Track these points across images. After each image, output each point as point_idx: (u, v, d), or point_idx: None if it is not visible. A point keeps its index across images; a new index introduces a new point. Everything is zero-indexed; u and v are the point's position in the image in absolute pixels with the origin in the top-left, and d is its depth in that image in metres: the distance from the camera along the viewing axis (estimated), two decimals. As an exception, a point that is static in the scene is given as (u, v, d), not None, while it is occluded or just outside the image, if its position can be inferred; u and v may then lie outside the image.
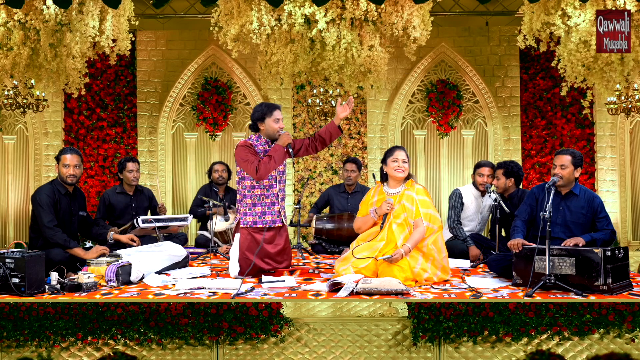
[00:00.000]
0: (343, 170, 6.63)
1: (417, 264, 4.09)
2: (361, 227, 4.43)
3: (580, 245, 4.05)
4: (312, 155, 8.74)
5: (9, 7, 5.89)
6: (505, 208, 5.08)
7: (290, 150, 4.53)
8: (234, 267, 4.46)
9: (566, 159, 4.31)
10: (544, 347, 3.44)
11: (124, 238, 4.98)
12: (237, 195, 4.63)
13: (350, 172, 6.53)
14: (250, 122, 4.66)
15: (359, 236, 4.41)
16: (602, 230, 4.29)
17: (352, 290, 3.67)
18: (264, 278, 4.17)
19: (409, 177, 4.44)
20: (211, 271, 4.72)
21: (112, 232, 4.99)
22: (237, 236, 4.56)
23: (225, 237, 6.38)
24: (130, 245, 4.92)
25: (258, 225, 4.53)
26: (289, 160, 8.55)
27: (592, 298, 3.50)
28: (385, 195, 4.39)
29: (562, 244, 4.06)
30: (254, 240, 4.51)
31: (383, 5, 6.19)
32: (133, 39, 7.44)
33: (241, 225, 4.56)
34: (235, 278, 4.36)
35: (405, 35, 6.47)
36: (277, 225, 4.60)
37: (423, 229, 4.20)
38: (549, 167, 8.41)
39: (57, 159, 4.76)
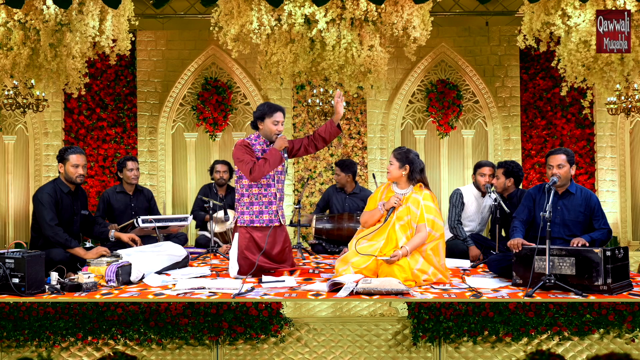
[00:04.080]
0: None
1: (416, 265, 4.09)
2: (367, 221, 4.42)
3: (582, 245, 4.04)
4: (312, 155, 8.86)
5: (9, 7, 5.89)
6: (505, 208, 5.08)
7: (285, 155, 4.54)
8: (233, 266, 4.46)
9: (562, 158, 4.32)
10: (544, 347, 3.44)
11: (124, 237, 4.97)
12: (236, 194, 4.63)
13: (334, 175, 6.42)
14: (252, 119, 4.68)
15: (359, 232, 4.41)
16: (599, 229, 4.31)
17: (352, 290, 3.67)
18: (264, 278, 4.17)
19: (414, 179, 4.36)
20: (211, 271, 4.72)
21: (113, 230, 4.99)
22: (236, 235, 4.55)
23: (225, 237, 6.38)
24: (131, 245, 4.91)
25: (255, 225, 4.52)
26: (290, 160, 8.59)
27: (592, 298, 3.50)
28: (395, 193, 4.39)
29: (571, 244, 4.05)
30: (252, 239, 4.50)
31: (383, 5, 6.19)
32: (133, 39, 7.43)
33: (239, 224, 4.55)
34: (235, 278, 4.36)
35: (405, 35, 6.46)
36: (274, 225, 4.60)
37: (424, 235, 4.19)
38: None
39: (63, 158, 4.67)
